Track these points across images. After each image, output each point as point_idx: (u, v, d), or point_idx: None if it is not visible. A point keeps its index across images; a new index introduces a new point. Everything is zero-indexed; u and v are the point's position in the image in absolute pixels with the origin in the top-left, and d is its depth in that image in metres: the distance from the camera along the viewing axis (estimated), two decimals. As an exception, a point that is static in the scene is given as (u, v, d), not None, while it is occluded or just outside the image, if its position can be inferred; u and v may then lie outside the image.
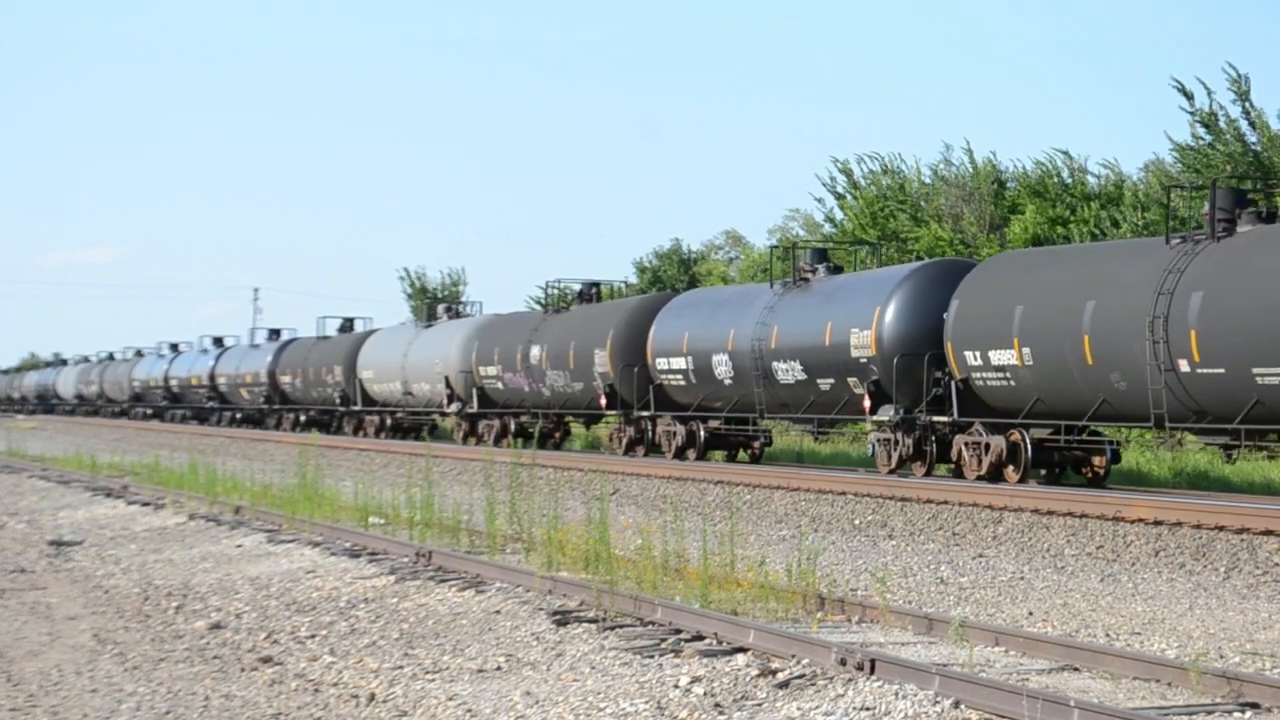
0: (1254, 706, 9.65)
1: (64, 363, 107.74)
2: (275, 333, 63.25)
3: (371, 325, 54.85)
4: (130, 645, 14.12)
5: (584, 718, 10.29)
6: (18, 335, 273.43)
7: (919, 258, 39.09)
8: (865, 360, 26.57)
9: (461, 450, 38.44)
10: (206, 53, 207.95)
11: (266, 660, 12.97)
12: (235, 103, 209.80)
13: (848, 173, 46.41)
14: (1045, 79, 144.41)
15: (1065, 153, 40.59)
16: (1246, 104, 33.32)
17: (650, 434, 33.91)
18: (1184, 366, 20.92)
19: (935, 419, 25.52)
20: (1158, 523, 19.19)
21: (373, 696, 11.39)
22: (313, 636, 14.20)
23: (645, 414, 33.71)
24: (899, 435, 26.15)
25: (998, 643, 11.99)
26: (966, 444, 24.79)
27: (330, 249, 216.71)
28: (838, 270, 30.29)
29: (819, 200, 49.78)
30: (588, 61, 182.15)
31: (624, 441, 34.87)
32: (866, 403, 26.47)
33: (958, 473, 25.25)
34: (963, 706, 9.68)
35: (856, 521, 22.55)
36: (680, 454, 32.48)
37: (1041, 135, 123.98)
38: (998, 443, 24.15)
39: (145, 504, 28.33)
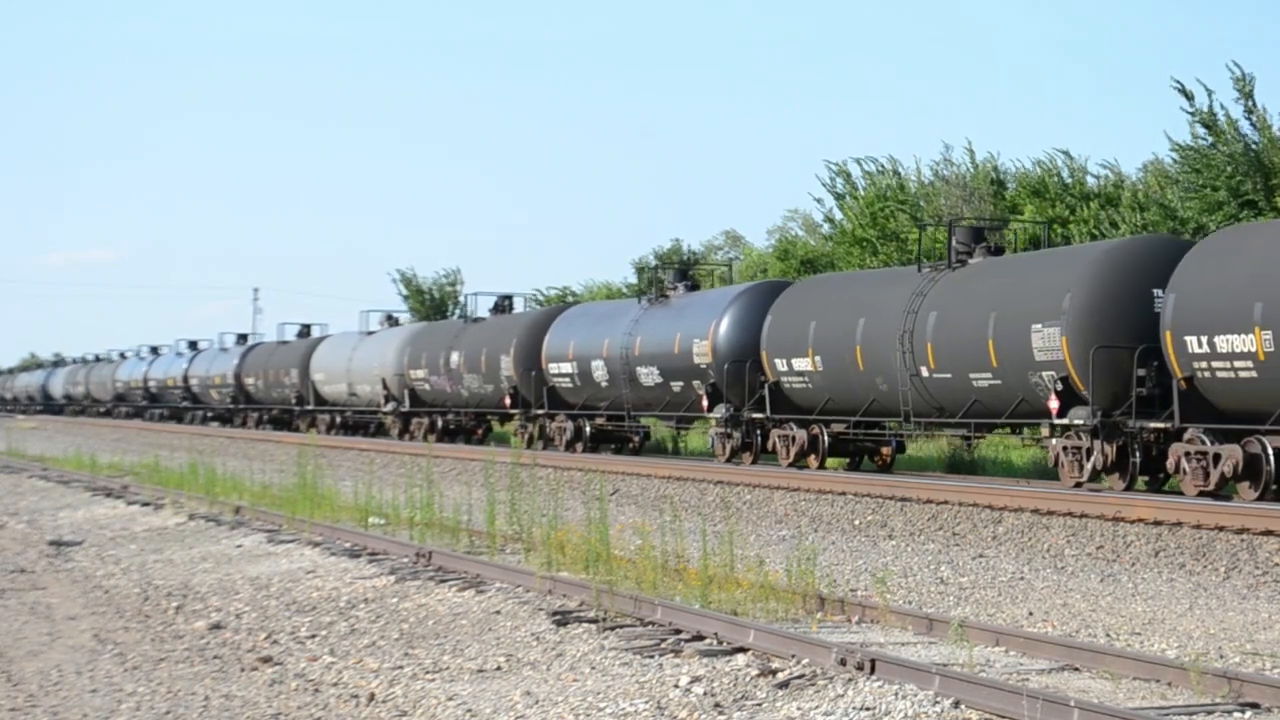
0: (1254, 706, 9.64)
1: (55, 365, 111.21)
2: (243, 337, 68.61)
3: (327, 331, 59.78)
4: (130, 645, 14.11)
5: (584, 718, 10.28)
6: (18, 335, 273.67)
7: (918, 258, 39.03)
8: (705, 366, 31.45)
9: (462, 450, 38.54)
10: (206, 53, 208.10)
11: (266, 660, 12.97)
12: (235, 103, 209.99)
13: (845, 174, 46.38)
14: (1045, 79, 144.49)
15: (1065, 153, 40.59)
16: (1250, 102, 33.25)
17: (546, 429, 38.24)
18: (924, 372, 25.54)
19: (754, 415, 30.09)
20: (1158, 523, 19.19)
21: (373, 696, 11.38)
22: (313, 636, 14.19)
23: (541, 412, 38.20)
24: (730, 429, 30.86)
25: (998, 643, 11.99)
26: (779, 436, 29.66)
27: (330, 249, 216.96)
28: (694, 288, 35.32)
29: (818, 201, 49.78)
30: (587, 62, 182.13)
31: (527, 437, 38.18)
32: (705, 402, 31.43)
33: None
34: (963, 706, 9.67)
35: (856, 522, 22.55)
36: (570, 447, 36.81)
37: (1041, 135, 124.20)
38: (801, 435, 28.96)
39: (145, 504, 28.33)
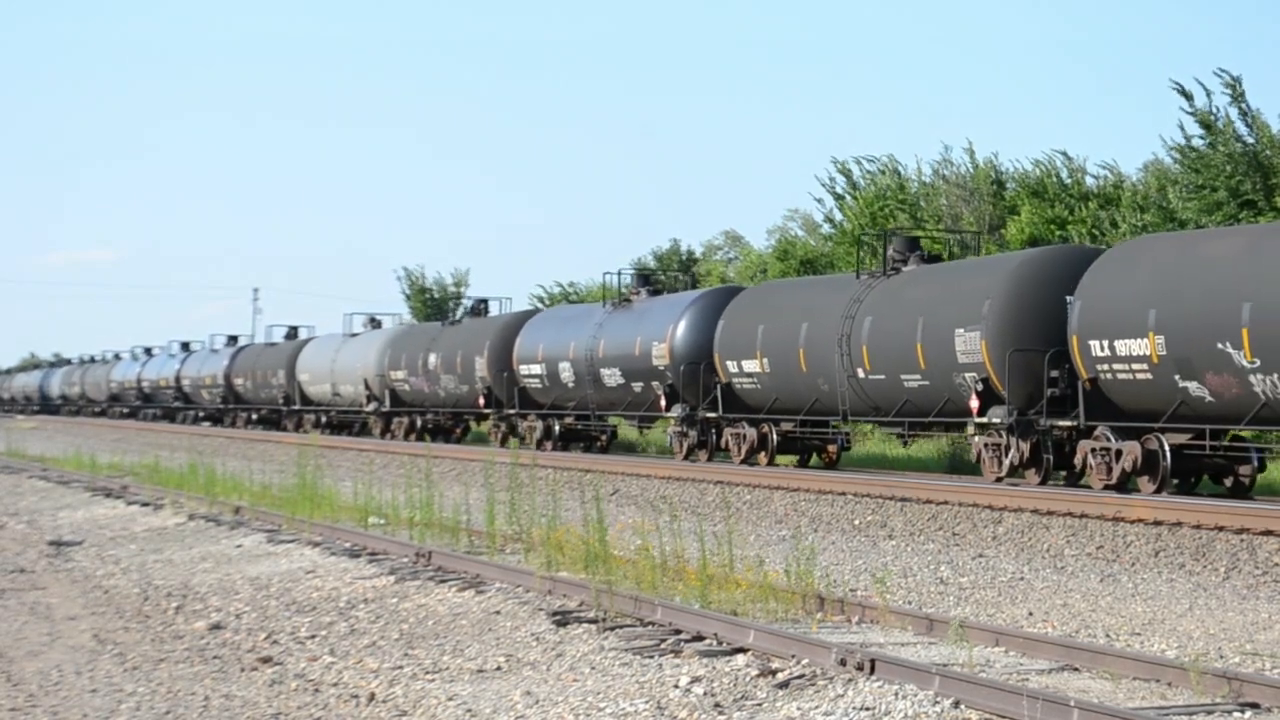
0: (1254, 706, 9.64)
1: (52, 365, 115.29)
2: (233, 338, 70.27)
3: (315, 333, 61.89)
4: (130, 645, 14.11)
5: (584, 718, 10.28)
6: (18, 335, 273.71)
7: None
8: (663, 368, 33.08)
9: (461, 450, 38.62)
10: (206, 53, 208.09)
11: (266, 660, 12.97)
12: (235, 103, 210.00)
13: (846, 173, 46.38)
14: (1045, 79, 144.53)
15: (1064, 153, 40.55)
16: (1242, 105, 33.24)
17: (518, 428, 40.18)
18: (860, 373, 27.14)
19: (708, 415, 31.71)
20: (1158, 523, 19.19)
21: (373, 696, 11.38)
22: (313, 637, 14.19)
23: (512, 411, 40.14)
24: (686, 428, 32.52)
25: (998, 643, 11.99)
26: (731, 435, 31.20)
27: (330, 249, 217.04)
28: (656, 293, 36.92)
29: (818, 201, 49.78)
30: (587, 62, 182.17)
31: (500, 435, 41.15)
32: (663, 402, 33.05)
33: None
34: (963, 706, 9.67)
35: (856, 522, 22.54)
36: (540, 445, 38.25)
37: (1041, 135, 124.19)
38: (752, 434, 30.46)
39: (145, 504, 28.32)
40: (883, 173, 45.48)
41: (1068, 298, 23.27)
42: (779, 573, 14.74)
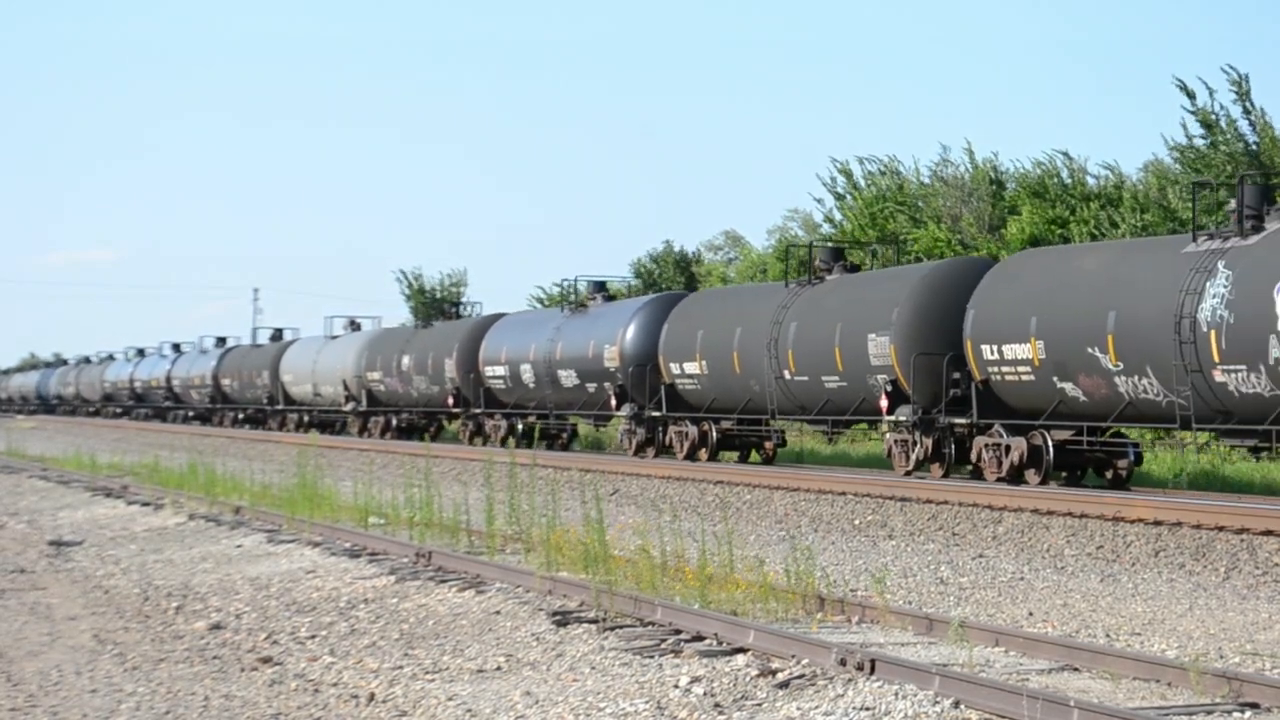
0: (1254, 706, 9.64)
1: (49, 366, 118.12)
2: (221, 340, 72.07)
3: (300, 334, 63.73)
4: (130, 645, 14.11)
5: (584, 718, 10.28)
6: (18, 335, 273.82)
7: (918, 258, 39.05)
8: (614, 369, 35.08)
9: (461, 450, 38.65)
10: (206, 53, 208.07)
11: (266, 660, 12.97)
12: (235, 103, 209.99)
13: (847, 173, 46.37)
14: (1045, 79, 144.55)
15: (1065, 153, 40.54)
16: (1247, 104, 33.23)
17: (484, 427, 42.55)
18: (787, 375, 29.04)
19: (654, 414, 33.62)
20: (1158, 523, 19.19)
21: (373, 696, 11.38)
22: (313, 637, 14.19)
23: (479, 411, 42.46)
24: (634, 426, 34.60)
25: (998, 643, 11.98)
26: (675, 432, 33.25)
27: (330, 249, 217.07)
28: (611, 299, 39.05)
29: (818, 201, 49.77)
30: (587, 62, 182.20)
31: (468, 433, 43.69)
32: (613, 401, 34.95)
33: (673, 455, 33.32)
34: (963, 706, 9.67)
35: (856, 522, 22.54)
36: (504, 442, 39.69)
37: (1041, 135, 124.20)
38: (693, 431, 32.52)
39: (145, 504, 28.33)
40: (883, 173, 45.47)
41: (968, 306, 24.85)
42: (779, 573, 14.74)
